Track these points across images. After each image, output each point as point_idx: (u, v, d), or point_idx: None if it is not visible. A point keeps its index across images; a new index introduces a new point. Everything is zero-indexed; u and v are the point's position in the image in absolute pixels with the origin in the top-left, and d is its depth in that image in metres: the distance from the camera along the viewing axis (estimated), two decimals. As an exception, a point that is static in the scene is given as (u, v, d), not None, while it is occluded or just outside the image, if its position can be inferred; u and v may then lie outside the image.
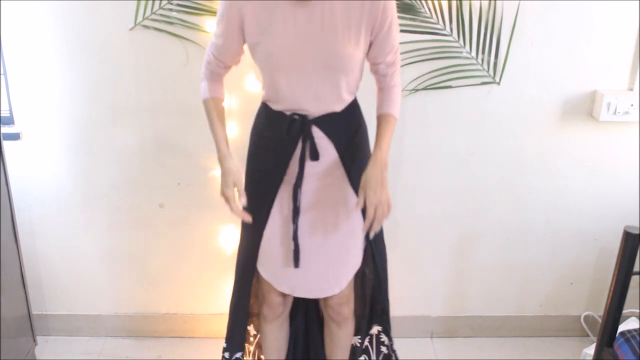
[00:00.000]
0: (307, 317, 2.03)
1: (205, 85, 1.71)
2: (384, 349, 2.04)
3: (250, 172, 1.78)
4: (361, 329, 1.99)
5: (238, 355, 2.00)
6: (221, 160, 1.71)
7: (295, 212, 1.70)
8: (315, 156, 1.67)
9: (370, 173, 1.58)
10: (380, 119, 1.68)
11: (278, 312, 1.88)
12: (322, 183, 1.71)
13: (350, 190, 1.72)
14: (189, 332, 2.45)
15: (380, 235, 1.85)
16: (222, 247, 2.30)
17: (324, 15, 1.51)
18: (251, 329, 2.02)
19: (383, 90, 1.70)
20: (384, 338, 2.03)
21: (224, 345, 1.97)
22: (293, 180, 1.70)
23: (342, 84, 1.61)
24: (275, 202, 1.73)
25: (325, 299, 1.85)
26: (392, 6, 1.56)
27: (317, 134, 1.65)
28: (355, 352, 2.00)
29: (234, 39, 1.60)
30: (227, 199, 1.68)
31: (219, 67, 1.69)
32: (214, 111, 1.71)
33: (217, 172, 2.17)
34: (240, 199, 1.68)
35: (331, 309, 1.85)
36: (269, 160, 1.72)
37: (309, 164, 1.68)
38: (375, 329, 2.01)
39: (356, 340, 1.99)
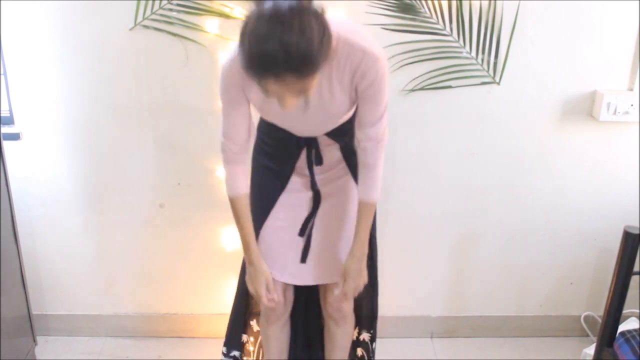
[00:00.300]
0: (307, 317, 2.04)
1: (228, 181, 1.68)
2: None
3: (256, 167, 1.80)
4: (359, 323, 2.00)
5: (235, 353, 2.00)
6: (253, 261, 1.74)
7: (313, 214, 1.75)
8: (319, 161, 1.70)
9: (350, 266, 1.71)
10: (360, 206, 1.67)
11: (279, 313, 1.88)
12: (325, 176, 1.74)
13: (352, 182, 1.75)
14: (189, 332, 2.45)
15: (372, 240, 1.86)
16: (222, 247, 2.30)
17: (322, 89, 1.49)
18: (254, 324, 2.03)
19: (363, 168, 1.64)
20: (374, 345, 2.04)
21: (224, 339, 2.00)
22: (300, 176, 1.73)
23: (342, 120, 1.65)
24: (280, 198, 1.75)
25: (326, 296, 1.85)
26: (381, 79, 1.48)
27: (322, 139, 1.68)
28: (355, 345, 2.01)
29: (245, 108, 1.58)
30: (258, 296, 1.76)
31: (240, 153, 1.64)
32: (240, 211, 1.69)
33: (217, 173, 2.18)
34: (272, 295, 1.76)
35: (331, 306, 1.86)
36: (274, 160, 1.74)
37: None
38: (366, 335, 2.02)
39: (354, 332, 1.99)
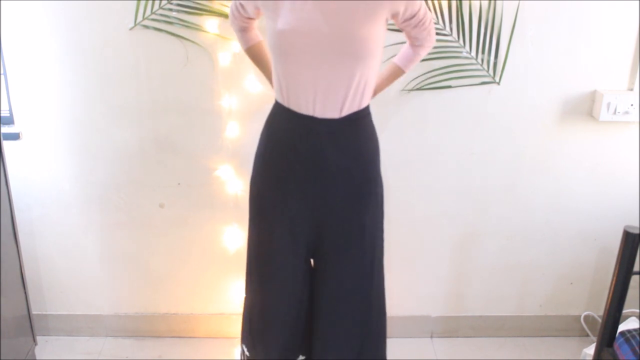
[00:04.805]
0: None
1: (240, 37, 1.80)
2: None
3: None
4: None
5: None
6: None
7: None
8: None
9: None
10: (390, 67, 1.81)
11: None
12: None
13: None
14: (189, 332, 2.45)
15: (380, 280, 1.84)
16: (222, 247, 2.29)
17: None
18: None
19: (410, 47, 1.76)
20: None
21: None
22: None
23: (356, 76, 1.57)
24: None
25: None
26: None
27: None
28: None
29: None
30: None
31: (245, 22, 1.74)
32: (258, 57, 1.82)
33: (217, 172, 2.18)
34: None
35: None
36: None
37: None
38: None
39: None
